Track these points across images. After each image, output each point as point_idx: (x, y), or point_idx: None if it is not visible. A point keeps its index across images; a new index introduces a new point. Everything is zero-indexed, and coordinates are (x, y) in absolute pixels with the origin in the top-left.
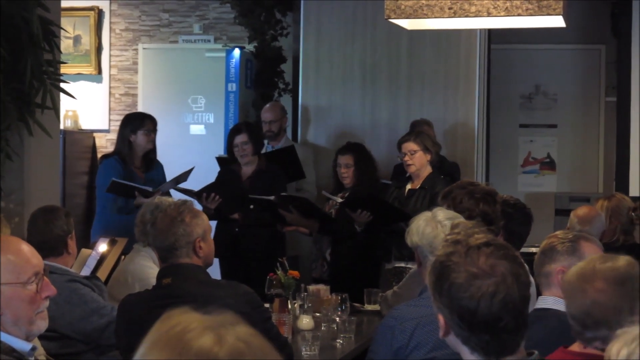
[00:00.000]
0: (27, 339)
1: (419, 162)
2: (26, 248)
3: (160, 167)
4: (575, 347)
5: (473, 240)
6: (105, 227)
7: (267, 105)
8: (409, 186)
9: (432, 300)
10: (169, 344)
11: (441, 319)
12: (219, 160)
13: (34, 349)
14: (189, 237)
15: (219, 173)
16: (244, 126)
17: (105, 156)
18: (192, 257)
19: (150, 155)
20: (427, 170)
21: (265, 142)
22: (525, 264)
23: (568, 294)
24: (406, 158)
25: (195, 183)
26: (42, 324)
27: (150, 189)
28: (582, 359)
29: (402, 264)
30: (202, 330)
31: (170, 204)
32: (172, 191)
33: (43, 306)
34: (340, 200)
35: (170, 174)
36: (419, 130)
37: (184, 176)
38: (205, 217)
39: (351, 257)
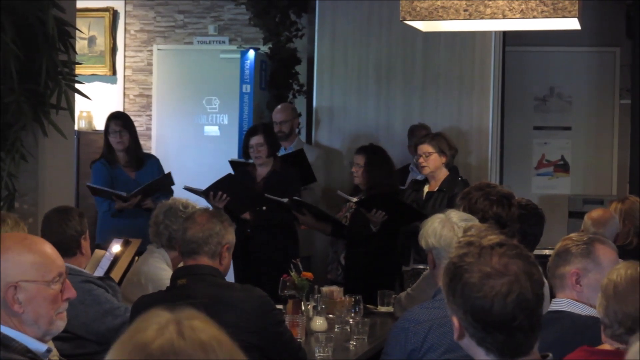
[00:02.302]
0: (44, 338)
1: (433, 164)
2: (50, 248)
3: (153, 162)
4: (606, 347)
5: (486, 241)
6: (102, 229)
7: (279, 106)
8: (426, 189)
9: (446, 302)
10: (124, 344)
11: (455, 321)
12: (232, 164)
13: (49, 350)
14: (220, 239)
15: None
16: (261, 128)
17: (94, 161)
18: (215, 260)
19: (134, 152)
20: (444, 172)
21: None
22: (538, 264)
23: (616, 298)
24: (421, 160)
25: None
26: (60, 324)
27: (124, 194)
28: (618, 358)
29: (421, 266)
30: (150, 324)
31: (208, 207)
32: (180, 190)
33: (63, 307)
34: (355, 200)
35: (184, 176)
36: (436, 133)
37: (163, 180)
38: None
39: (366, 262)
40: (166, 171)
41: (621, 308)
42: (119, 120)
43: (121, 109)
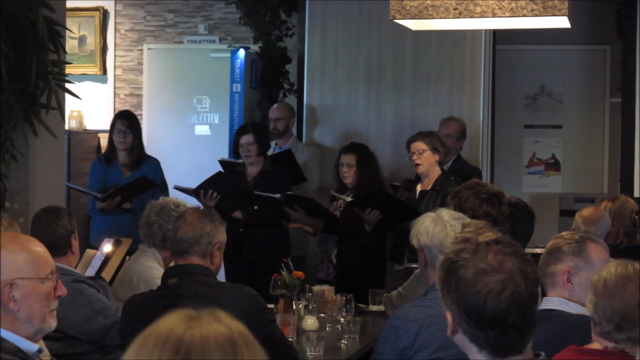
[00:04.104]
0: (35, 337)
1: (427, 162)
2: (41, 247)
3: (151, 164)
4: (596, 346)
5: (483, 237)
6: (93, 228)
7: (276, 104)
8: (419, 188)
9: (440, 296)
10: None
11: (449, 316)
12: (222, 163)
13: (40, 350)
14: (211, 238)
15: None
16: (251, 127)
17: (97, 157)
18: (206, 259)
19: (137, 154)
20: (437, 171)
21: (274, 143)
22: (533, 262)
23: (606, 295)
24: (414, 157)
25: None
26: (53, 323)
27: (99, 195)
28: (605, 357)
29: (415, 265)
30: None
31: (199, 207)
32: (171, 190)
33: (54, 305)
34: (349, 199)
35: (175, 175)
36: (429, 131)
37: (139, 183)
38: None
39: (357, 259)
40: (166, 176)
41: (610, 304)
42: (125, 120)
43: (112, 109)
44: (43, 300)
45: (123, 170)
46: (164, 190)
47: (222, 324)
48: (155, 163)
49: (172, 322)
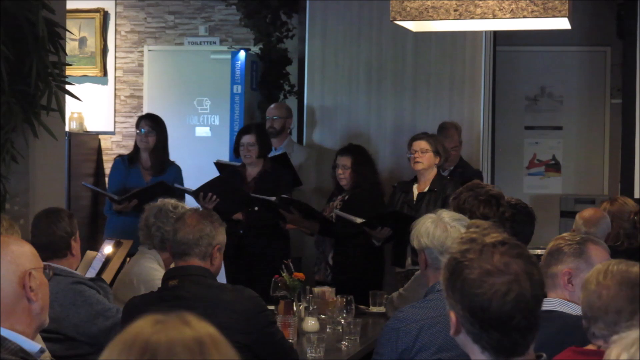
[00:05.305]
0: (36, 332)
1: (427, 162)
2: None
3: (173, 170)
4: (591, 346)
5: (489, 238)
6: (107, 227)
7: (274, 103)
8: (416, 190)
9: (445, 296)
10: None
11: (453, 316)
12: (218, 165)
13: (42, 351)
14: (211, 240)
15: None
16: (254, 128)
17: (120, 155)
18: (206, 261)
19: (159, 156)
20: (433, 172)
21: None
22: (538, 264)
23: (583, 290)
24: (416, 155)
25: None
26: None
27: (115, 197)
28: (598, 358)
29: (416, 267)
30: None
31: (198, 208)
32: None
33: None
34: (359, 221)
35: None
36: (432, 134)
37: (156, 187)
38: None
39: (354, 260)
40: (185, 182)
41: (584, 298)
42: (149, 120)
43: (112, 110)
44: (47, 290)
45: (144, 173)
46: (181, 198)
47: (189, 327)
48: (176, 170)
49: (138, 327)
